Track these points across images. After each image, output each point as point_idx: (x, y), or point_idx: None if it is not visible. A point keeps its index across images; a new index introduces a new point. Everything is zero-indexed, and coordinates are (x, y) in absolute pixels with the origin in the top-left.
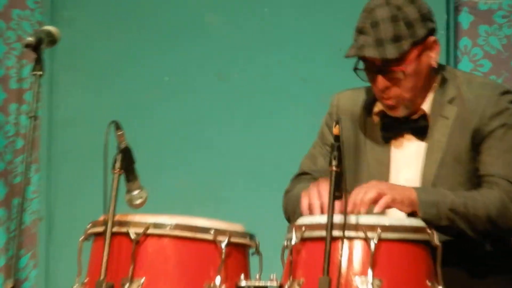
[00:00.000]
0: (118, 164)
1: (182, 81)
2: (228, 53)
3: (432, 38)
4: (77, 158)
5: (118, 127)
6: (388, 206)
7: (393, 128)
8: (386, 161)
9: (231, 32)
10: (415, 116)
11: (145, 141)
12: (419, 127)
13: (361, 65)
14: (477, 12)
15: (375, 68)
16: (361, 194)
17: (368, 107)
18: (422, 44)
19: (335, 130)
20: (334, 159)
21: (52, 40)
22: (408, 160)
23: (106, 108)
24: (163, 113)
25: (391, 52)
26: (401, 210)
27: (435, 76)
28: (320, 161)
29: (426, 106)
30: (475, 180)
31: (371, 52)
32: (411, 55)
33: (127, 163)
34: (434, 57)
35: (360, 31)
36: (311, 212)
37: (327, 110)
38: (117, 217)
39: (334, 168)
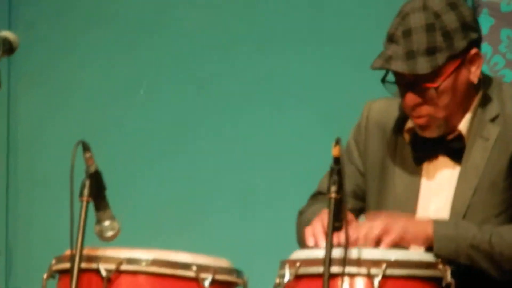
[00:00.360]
0: (86, 191)
1: (159, 94)
2: (207, 60)
3: (474, 51)
4: (39, 183)
5: (86, 148)
6: (398, 243)
7: (425, 148)
8: (415, 187)
9: (212, 35)
10: (450, 137)
11: (117, 165)
12: (455, 149)
13: (391, 77)
14: (499, 14)
15: (405, 82)
16: (365, 229)
17: (400, 122)
18: (461, 57)
19: (335, 151)
20: (333, 184)
21: (9, 48)
22: (440, 186)
23: (72, 127)
24: (137, 131)
25: (423, 66)
26: (416, 245)
27: (476, 93)
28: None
29: (463, 126)
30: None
31: (399, 66)
32: (447, 70)
33: (97, 190)
34: (475, 72)
35: (390, 39)
36: (316, 245)
37: (357, 122)
38: (85, 251)
39: (333, 195)
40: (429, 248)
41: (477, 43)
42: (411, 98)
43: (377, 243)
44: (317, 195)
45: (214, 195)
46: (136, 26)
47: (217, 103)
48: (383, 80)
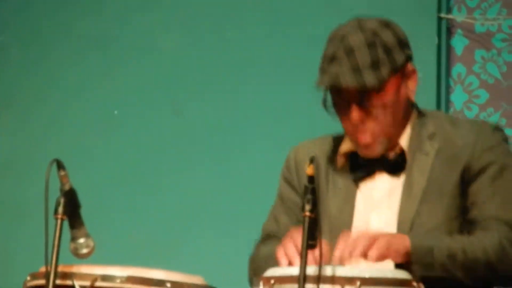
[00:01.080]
0: (61, 209)
1: (133, 115)
2: (185, 82)
3: (410, 67)
4: (13, 202)
5: (60, 166)
6: (383, 256)
7: (362, 168)
8: (349, 207)
9: (188, 57)
10: (391, 154)
11: (91, 183)
12: (394, 164)
13: (329, 98)
14: (473, 35)
15: (350, 99)
16: (349, 246)
17: (331, 152)
18: (401, 72)
19: (309, 170)
20: (308, 203)
21: None
22: (379, 200)
23: (45, 147)
24: (112, 152)
25: (370, 80)
26: (396, 260)
27: (411, 111)
28: (283, 219)
29: (403, 141)
30: (460, 219)
31: (348, 81)
32: (391, 84)
33: (72, 207)
34: (412, 87)
35: (331, 59)
36: (290, 264)
37: (283, 165)
38: (60, 268)
39: (307, 214)
40: (399, 264)
41: (411, 58)
42: (356, 114)
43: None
44: (263, 240)
45: (189, 214)
46: (111, 47)
47: (194, 128)
48: (325, 103)
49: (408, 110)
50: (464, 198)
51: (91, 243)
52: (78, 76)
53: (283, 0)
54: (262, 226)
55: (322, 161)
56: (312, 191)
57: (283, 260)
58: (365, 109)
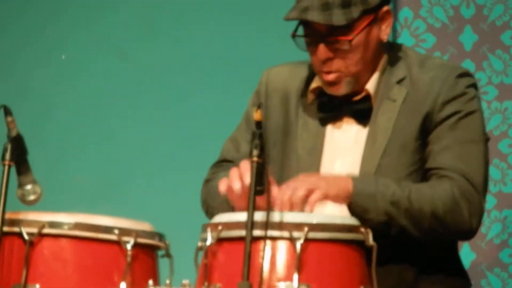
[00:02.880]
0: (8, 155)
1: (81, 60)
2: (131, 28)
3: (385, 8)
4: None
5: (7, 112)
6: (320, 202)
7: (331, 109)
8: (318, 148)
9: (134, 3)
10: (357, 97)
11: (38, 129)
12: (361, 110)
13: (300, 31)
14: None
15: (318, 35)
16: (289, 192)
17: (304, 85)
18: (374, 13)
19: (256, 115)
20: (256, 148)
21: None
22: (345, 147)
23: None
24: (59, 97)
25: (338, 18)
26: (335, 202)
27: (383, 53)
28: (244, 147)
29: (370, 86)
30: (422, 172)
31: (315, 16)
32: (361, 24)
33: (19, 154)
34: (385, 30)
35: None
36: (230, 196)
37: (255, 88)
38: (7, 215)
39: (255, 159)
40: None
41: (388, 1)
42: (323, 52)
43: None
44: (220, 163)
45: (136, 160)
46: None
47: (141, 72)
48: (294, 34)
49: (379, 53)
50: (425, 150)
51: (38, 190)
52: (25, 21)
53: None
54: (222, 146)
55: (294, 93)
56: (259, 136)
57: (222, 189)
58: (333, 47)
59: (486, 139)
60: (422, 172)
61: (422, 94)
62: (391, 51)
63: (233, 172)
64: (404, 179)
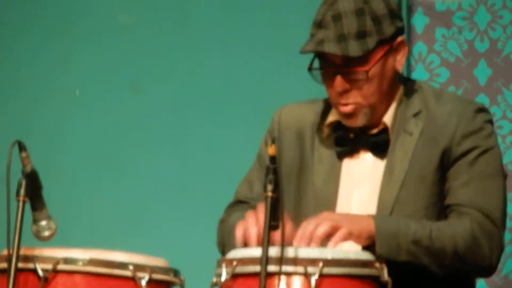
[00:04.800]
0: (22, 190)
1: (95, 94)
2: (145, 60)
3: (399, 39)
4: None
5: (22, 147)
6: (344, 240)
7: (347, 142)
8: (334, 180)
9: (147, 35)
10: (374, 131)
11: (53, 164)
12: (378, 143)
13: (316, 64)
14: (434, 13)
15: (334, 67)
16: (312, 226)
17: (319, 120)
18: (389, 44)
19: (271, 150)
20: (270, 183)
21: None
22: (362, 179)
23: (6, 127)
24: (74, 132)
25: (354, 49)
26: (358, 243)
27: (399, 85)
28: (258, 187)
29: (388, 119)
30: (440, 205)
31: (331, 48)
32: (376, 55)
33: (33, 189)
34: (400, 60)
35: (319, 25)
36: (246, 242)
37: (268, 128)
38: (22, 251)
39: (269, 194)
40: (367, 247)
41: (402, 31)
42: (340, 84)
43: (324, 241)
44: (235, 204)
45: (151, 195)
46: (71, 26)
47: (155, 107)
48: (310, 67)
49: (395, 85)
50: (443, 183)
51: (53, 225)
52: (40, 58)
53: None
54: (237, 188)
55: (309, 129)
56: (274, 171)
57: (239, 236)
58: (349, 79)
59: (504, 175)
60: (440, 205)
61: (439, 127)
62: (406, 84)
63: (250, 216)
64: (422, 211)
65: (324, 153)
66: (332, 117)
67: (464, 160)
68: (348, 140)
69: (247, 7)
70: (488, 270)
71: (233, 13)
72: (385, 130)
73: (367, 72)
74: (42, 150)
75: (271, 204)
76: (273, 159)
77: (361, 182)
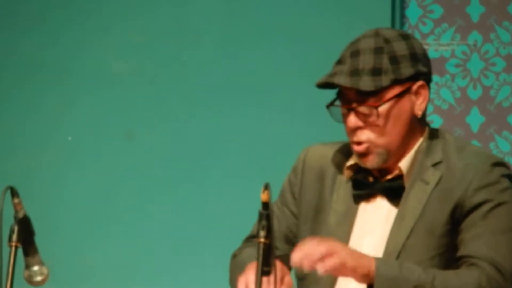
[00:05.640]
0: (15, 236)
1: (87, 141)
2: (138, 107)
3: (420, 83)
4: None
5: (14, 193)
6: (335, 270)
7: (364, 186)
8: (348, 223)
9: (140, 83)
10: (389, 176)
11: (46, 210)
12: (393, 188)
13: (338, 103)
14: None
15: (349, 102)
16: (311, 245)
17: (341, 163)
18: (407, 85)
19: (263, 196)
20: (262, 229)
21: None
22: (375, 225)
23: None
24: (66, 178)
25: (366, 84)
26: (353, 278)
27: (421, 133)
28: (275, 223)
29: (403, 165)
30: (447, 256)
31: (342, 80)
32: (390, 93)
33: (26, 235)
34: (420, 105)
35: (338, 62)
36: None
37: (293, 165)
38: None
39: (262, 240)
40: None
41: (426, 78)
42: (353, 120)
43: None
44: (250, 238)
45: (146, 239)
46: (64, 72)
47: (149, 155)
48: (329, 104)
49: (414, 131)
50: (455, 235)
51: (45, 271)
52: (31, 102)
53: (237, 22)
54: (254, 224)
55: (331, 169)
56: (266, 217)
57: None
58: (362, 116)
59: None
60: (447, 257)
61: (455, 180)
62: (430, 135)
63: (250, 269)
64: (428, 261)
65: (342, 195)
66: (353, 160)
67: (477, 213)
68: (366, 184)
69: (242, 54)
70: None
71: (226, 59)
72: (400, 176)
73: (377, 108)
74: (34, 195)
75: (263, 250)
76: (265, 205)
77: (374, 228)
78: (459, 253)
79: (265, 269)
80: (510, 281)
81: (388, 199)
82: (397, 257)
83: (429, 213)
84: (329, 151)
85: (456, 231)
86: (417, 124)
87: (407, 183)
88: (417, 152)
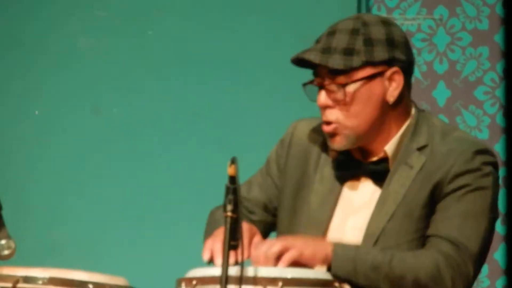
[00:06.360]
0: None
1: (54, 116)
2: (104, 82)
3: (395, 69)
4: None
5: None
6: (296, 262)
7: (348, 168)
8: (331, 204)
9: (107, 58)
10: (374, 158)
11: (12, 184)
12: (378, 171)
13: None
14: None
15: (320, 81)
16: (265, 247)
17: (327, 142)
18: (379, 68)
19: (230, 170)
20: (229, 203)
21: None
22: (359, 206)
23: None
24: (33, 152)
25: (336, 62)
26: (313, 264)
27: (406, 118)
28: (255, 190)
29: (389, 148)
30: (424, 240)
31: (312, 56)
32: (360, 74)
33: None
34: (392, 92)
35: (316, 41)
36: (213, 258)
37: (281, 137)
38: None
39: (229, 214)
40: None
41: (403, 66)
42: (323, 98)
43: (277, 261)
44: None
45: (110, 215)
46: (32, 48)
47: (114, 128)
48: (305, 84)
49: (387, 114)
50: (430, 217)
51: (12, 245)
52: (1, 79)
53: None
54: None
55: (317, 147)
56: (233, 191)
57: (206, 254)
58: (332, 96)
59: (494, 217)
60: (424, 240)
61: (437, 164)
62: (417, 118)
63: (219, 234)
64: (405, 244)
65: (326, 174)
66: None
67: (453, 196)
68: (350, 165)
69: (207, 29)
70: None
71: (196, 32)
72: (385, 159)
73: (344, 86)
74: (1, 170)
75: (230, 224)
76: (232, 179)
77: (357, 209)
78: (427, 232)
79: (232, 243)
80: (472, 260)
81: (372, 181)
82: (376, 240)
83: (411, 197)
84: (317, 127)
85: (432, 213)
86: (392, 110)
87: (392, 166)
88: (402, 135)
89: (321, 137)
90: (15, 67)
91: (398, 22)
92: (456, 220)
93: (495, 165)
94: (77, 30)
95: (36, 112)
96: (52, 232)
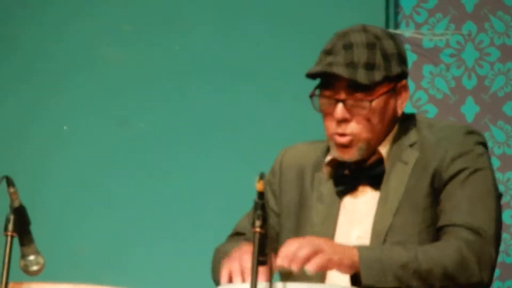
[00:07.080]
0: (11, 226)
1: (81, 129)
2: (132, 95)
3: (404, 82)
4: None
5: (10, 183)
6: (324, 267)
7: (346, 180)
8: (332, 218)
9: (134, 70)
10: (369, 161)
11: (41, 199)
12: (374, 175)
13: (318, 92)
14: (421, 50)
15: (338, 94)
16: (294, 248)
17: (319, 160)
18: (394, 83)
19: (258, 186)
20: (258, 219)
21: None
22: (361, 215)
23: None
24: (61, 167)
25: (362, 77)
26: (340, 271)
27: (395, 123)
28: None
29: (383, 148)
30: (433, 229)
31: (340, 70)
32: (381, 89)
33: (21, 224)
34: (401, 104)
35: (328, 52)
36: (231, 279)
37: (271, 166)
38: (10, 286)
39: (257, 230)
40: (353, 281)
41: (406, 76)
42: (341, 111)
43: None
44: (233, 236)
45: (137, 229)
46: (55, 61)
47: (140, 140)
48: (313, 93)
49: (393, 124)
50: (436, 207)
51: (41, 260)
52: (26, 93)
53: (229, 11)
54: (238, 221)
55: (310, 167)
56: (262, 206)
57: (224, 275)
58: (351, 109)
59: (498, 195)
60: (433, 230)
61: (431, 153)
62: (403, 119)
63: (234, 256)
64: (415, 237)
65: (324, 192)
66: (330, 156)
67: (455, 182)
68: (346, 178)
69: (234, 38)
70: (479, 287)
71: (222, 46)
72: (380, 160)
73: (371, 102)
74: (30, 185)
75: (259, 239)
76: (261, 194)
77: (360, 218)
78: (439, 223)
79: (261, 259)
80: (492, 242)
81: (370, 186)
82: (385, 238)
83: (411, 190)
84: (307, 149)
85: (437, 202)
86: (395, 119)
87: (387, 165)
88: (394, 135)
89: (311, 158)
90: (46, 83)
91: (426, 38)
92: (465, 205)
93: (485, 145)
94: (101, 40)
95: (65, 127)
96: (81, 248)
